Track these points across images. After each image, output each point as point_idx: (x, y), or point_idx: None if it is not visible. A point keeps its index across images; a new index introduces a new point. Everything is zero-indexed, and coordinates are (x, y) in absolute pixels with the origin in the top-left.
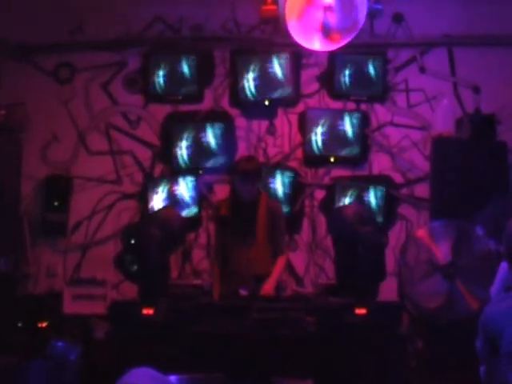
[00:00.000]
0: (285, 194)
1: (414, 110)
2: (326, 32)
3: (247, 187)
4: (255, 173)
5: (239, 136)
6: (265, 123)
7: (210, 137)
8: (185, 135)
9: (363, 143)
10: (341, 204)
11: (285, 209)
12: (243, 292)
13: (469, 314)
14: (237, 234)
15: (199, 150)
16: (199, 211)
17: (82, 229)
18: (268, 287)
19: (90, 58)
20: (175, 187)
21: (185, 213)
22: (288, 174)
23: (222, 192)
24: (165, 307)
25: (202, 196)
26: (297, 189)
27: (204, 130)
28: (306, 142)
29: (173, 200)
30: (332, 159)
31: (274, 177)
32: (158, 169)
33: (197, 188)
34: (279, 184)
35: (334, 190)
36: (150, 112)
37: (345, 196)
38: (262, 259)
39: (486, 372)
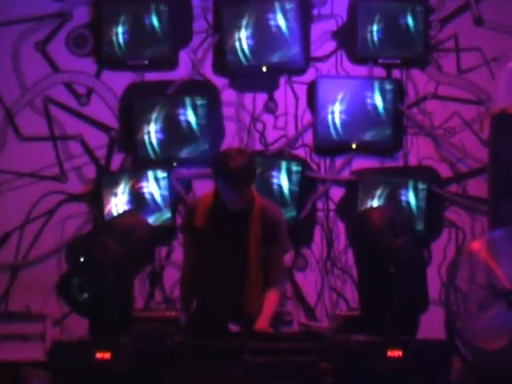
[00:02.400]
0: (289, 193)
1: (466, 77)
2: None
3: (235, 195)
4: (246, 176)
5: (227, 115)
6: (262, 97)
7: (188, 116)
8: (153, 114)
9: (396, 123)
10: (366, 207)
11: (290, 213)
12: (233, 327)
13: None
14: (217, 257)
15: (173, 134)
16: (173, 217)
17: (12, 243)
18: (263, 322)
19: (19, 6)
20: (141, 185)
21: (154, 219)
22: (294, 166)
23: (203, 190)
24: (126, 350)
25: (176, 196)
26: (306, 186)
27: (179, 106)
28: (319, 123)
29: (137, 202)
30: (354, 145)
31: (274, 170)
32: (117, 160)
33: (170, 185)
34: (282, 180)
35: (356, 187)
36: (104, 82)
37: (371, 196)
38: (254, 294)
39: None
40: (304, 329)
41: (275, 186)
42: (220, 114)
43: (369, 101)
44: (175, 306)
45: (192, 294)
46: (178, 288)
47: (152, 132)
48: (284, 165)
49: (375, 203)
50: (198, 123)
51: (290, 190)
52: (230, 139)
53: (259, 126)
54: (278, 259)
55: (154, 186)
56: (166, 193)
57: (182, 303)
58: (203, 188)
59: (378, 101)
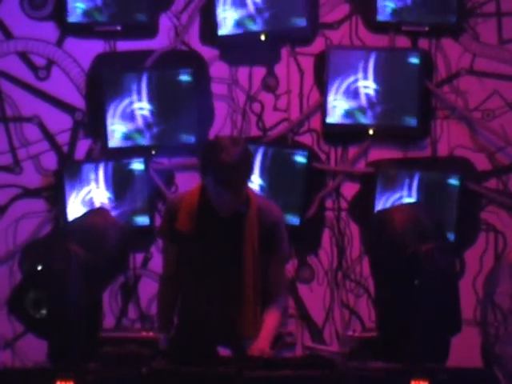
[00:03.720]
0: (292, 188)
1: (509, 48)
2: None
3: (228, 197)
4: (242, 173)
5: (217, 93)
6: (260, 72)
7: (169, 94)
8: (127, 92)
9: (423, 105)
10: (386, 206)
11: (293, 213)
12: (223, 351)
13: None
14: (204, 268)
15: (151, 116)
16: (151, 217)
17: None
18: (262, 345)
19: None
20: (111, 178)
21: (128, 219)
22: (298, 156)
23: (187, 184)
24: (93, 378)
25: (155, 192)
26: (312, 181)
27: (159, 82)
28: (329, 104)
29: (107, 199)
30: (371, 131)
31: (273, 161)
32: (83, 147)
33: (147, 178)
34: (283, 173)
35: (374, 182)
36: (68, 52)
37: (392, 192)
38: (250, 313)
39: None
40: (309, 353)
41: (274, 183)
42: (209, 92)
43: (390, 77)
44: (153, 324)
45: (172, 311)
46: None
47: (126, 113)
48: (286, 154)
49: (397, 202)
50: (181, 103)
51: (294, 185)
52: (221, 123)
53: (256, 106)
54: (279, 270)
55: (127, 180)
56: (141, 188)
57: (159, 322)
58: (188, 182)
59: (401, 77)
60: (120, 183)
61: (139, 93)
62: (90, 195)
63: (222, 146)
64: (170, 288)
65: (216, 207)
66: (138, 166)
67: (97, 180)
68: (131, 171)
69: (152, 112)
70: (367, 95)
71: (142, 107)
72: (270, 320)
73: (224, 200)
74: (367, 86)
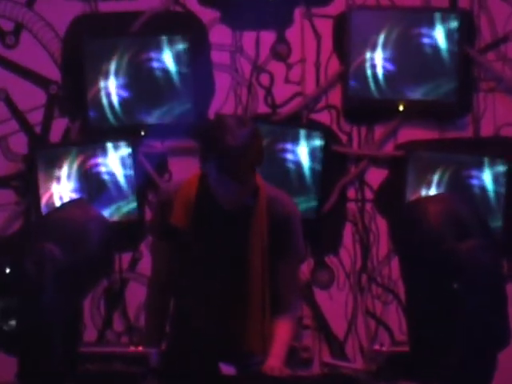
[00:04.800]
0: (308, 175)
1: None
2: None
3: (234, 188)
4: (251, 159)
5: (218, 63)
6: (268, 38)
7: (162, 64)
8: (112, 61)
9: (463, 75)
10: (419, 196)
11: (308, 204)
12: (227, 369)
13: None
14: (204, 270)
15: (141, 90)
16: (140, 210)
17: None
18: (274, 362)
19: None
20: (93, 163)
21: (113, 213)
22: (314, 137)
23: (183, 172)
24: None
25: (145, 180)
26: (331, 166)
27: (149, 50)
28: (351, 74)
29: (89, 189)
30: (401, 107)
31: (285, 143)
32: (59, 128)
33: (136, 164)
34: (297, 157)
35: (404, 168)
36: (40, 15)
37: (426, 180)
38: (257, 323)
39: None
40: (329, 371)
41: (287, 166)
42: (208, 61)
43: (423, 42)
44: (143, 338)
45: (163, 321)
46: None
47: (111, 87)
48: (300, 135)
49: (432, 191)
50: (176, 74)
51: (309, 172)
52: (223, 98)
53: (264, 79)
54: (292, 273)
55: (112, 166)
56: (129, 175)
57: (148, 334)
58: (183, 169)
59: (437, 42)
60: (103, 170)
61: (126, 62)
62: (67, 185)
63: (226, 127)
64: (161, 294)
65: (219, 199)
66: (124, 149)
67: (75, 166)
68: (117, 156)
69: (141, 84)
70: (397, 64)
71: (130, 79)
72: (283, 332)
73: (229, 191)
74: (397, 52)
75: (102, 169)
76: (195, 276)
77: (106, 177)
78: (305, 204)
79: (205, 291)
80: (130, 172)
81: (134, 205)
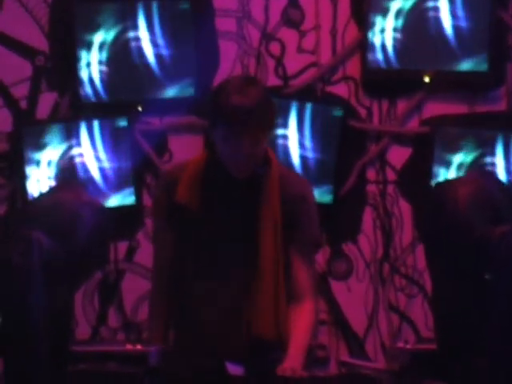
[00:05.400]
0: (323, 155)
1: None
2: None
3: (244, 147)
4: (262, 115)
5: (223, 30)
6: (279, 1)
7: (158, 34)
8: (103, 30)
9: (496, 43)
10: (446, 177)
11: (324, 186)
12: (234, 369)
13: None
14: (212, 252)
15: (136, 62)
16: (137, 194)
17: None
18: (293, 362)
19: None
20: (85, 142)
21: (106, 198)
22: (330, 111)
23: (185, 151)
24: None
25: (143, 161)
26: (349, 144)
27: (146, 14)
28: (370, 43)
29: (80, 170)
30: (426, 78)
31: (299, 119)
32: (47, 103)
33: (132, 143)
34: (312, 135)
35: (431, 146)
36: None
37: (455, 159)
38: (267, 305)
39: None
40: (347, 371)
41: (300, 149)
42: (212, 27)
43: (451, 6)
44: (140, 335)
45: (169, 316)
46: (146, 306)
47: (104, 58)
48: (315, 110)
49: (461, 172)
50: (176, 42)
51: (325, 151)
52: (229, 69)
53: (275, 47)
54: (306, 262)
55: (106, 145)
56: (125, 155)
57: (151, 330)
58: (185, 148)
59: (468, 6)
60: (97, 150)
61: (120, 28)
62: (56, 166)
63: (233, 86)
64: (166, 286)
65: (228, 167)
66: (119, 127)
67: (65, 145)
68: (111, 134)
69: (137, 57)
70: (421, 31)
71: (123, 51)
72: (301, 330)
73: (238, 154)
74: (417, 14)
75: (95, 148)
76: (204, 258)
77: (99, 157)
78: (320, 187)
79: (213, 275)
80: (126, 152)
81: (130, 188)
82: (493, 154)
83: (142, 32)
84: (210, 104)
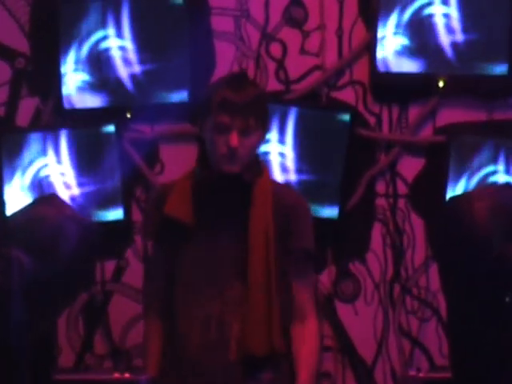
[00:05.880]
0: (328, 166)
1: None
2: None
3: (230, 143)
4: (254, 104)
5: (220, 30)
6: (280, 0)
7: (151, 32)
8: (91, 27)
9: None
10: (463, 191)
11: (328, 202)
12: None
13: None
14: (204, 264)
15: (125, 65)
16: (126, 209)
17: None
18: None
19: None
20: (69, 151)
21: (92, 213)
22: (336, 119)
23: (177, 161)
24: None
25: (132, 173)
26: (357, 154)
27: (135, 14)
28: (380, 45)
29: (61, 183)
30: (441, 83)
31: (301, 127)
32: (28, 109)
33: (120, 153)
34: (315, 143)
35: (445, 156)
36: None
37: (472, 171)
38: (258, 318)
39: None
40: None
41: (303, 154)
42: (208, 27)
43: (468, 4)
44: (130, 362)
45: (160, 337)
46: (136, 331)
47: (89, 59)
48: (319, 118)
49: (479, 184)
50: (169, 41)
51: (330, 161)
52: (226, 72)
53: (275, 49)
54: (301, 277)
55: (92, 154)
56: (113, 165)
57: (147, 359)
58: (178, 158)
59: (486, 5)
60: (81, 160)
61: (108, 29)
62: (34, 179)
63: (227, 80)
64: (162, 309)
65: (216, 160)
66: (106, 135)
67: (47, 156)
68: (97, 142)
69: (126, 57)
70: (433, 30)
71: (111, 47)
72: (306, 354)
73: (226, 139)
74: (432, 13)
75: (80, 158)
76: (195, 272)
77: (84, 168)
78: (325, 200)
79: (205, 289)
80: (114, 162)
81: (118, 202)
82: None
83: (130, 32)
84: (203, 97)
